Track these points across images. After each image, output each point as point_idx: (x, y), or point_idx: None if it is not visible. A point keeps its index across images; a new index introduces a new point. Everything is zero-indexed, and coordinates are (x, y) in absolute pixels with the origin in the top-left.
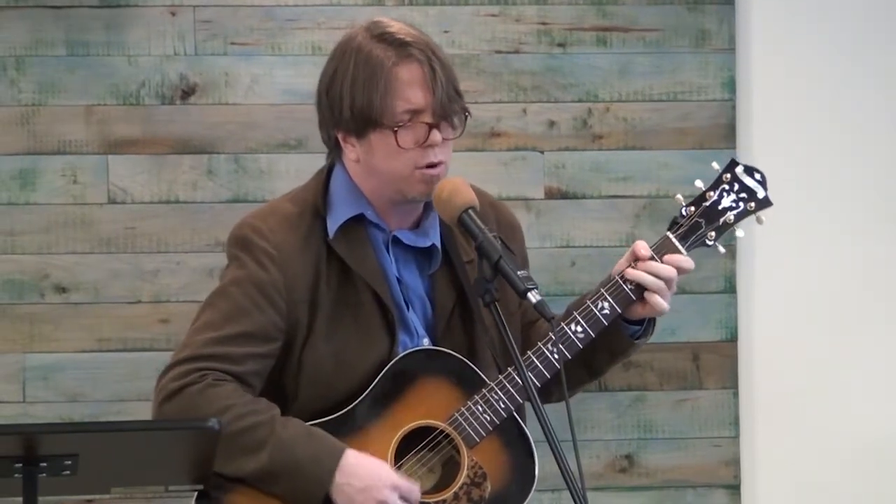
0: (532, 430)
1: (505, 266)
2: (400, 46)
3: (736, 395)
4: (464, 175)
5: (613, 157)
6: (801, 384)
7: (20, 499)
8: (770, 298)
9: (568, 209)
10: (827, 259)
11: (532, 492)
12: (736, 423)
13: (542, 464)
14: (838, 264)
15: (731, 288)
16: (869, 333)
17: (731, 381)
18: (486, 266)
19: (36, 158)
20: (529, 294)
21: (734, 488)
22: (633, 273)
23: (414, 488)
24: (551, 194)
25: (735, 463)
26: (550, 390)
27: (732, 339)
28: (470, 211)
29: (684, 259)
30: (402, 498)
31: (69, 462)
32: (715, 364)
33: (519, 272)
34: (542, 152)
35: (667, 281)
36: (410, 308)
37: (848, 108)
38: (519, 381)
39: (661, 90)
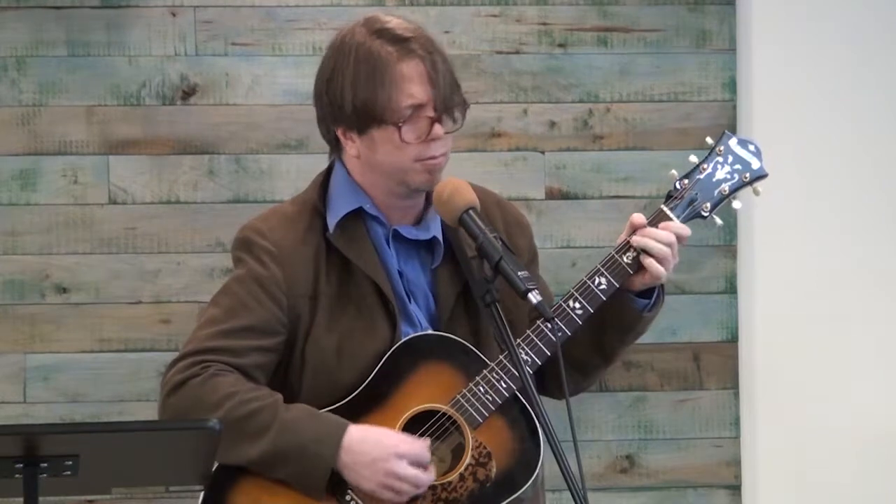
0: None
1: (505, 266)
2: (401, 42)
3: (737, 395)
4: (464, 175)
5: (614, 157)
6: (801, 384)
7: (21, 499)
8: (771, 299)
9: (569, 210)
10: (828, 259)
11: (538, 469)
12: (737, 423)
13: (543, 464)
14: (839, 265)
15: (731, 288)
16: (870, 333)
17: (731, 381)
18: (487, 267)
19: (37, 159)
20: (530, 294)
21: (735, 489)
22: (634, 240)
23: (422, 452)
24: (552, 195)
25: (736, 463)
26: (561, 382)
27: (733, 339)
28: (470, 211)
29: (681, 226)
30: (412, 464)
31: (70, 462)
32: (716, 364)
33: (520, 272)
34: (542, 153)
35: (668, 244)
36: (412, 301)
37: (849, 109)
38: (520, 358)
39: (662, 91)
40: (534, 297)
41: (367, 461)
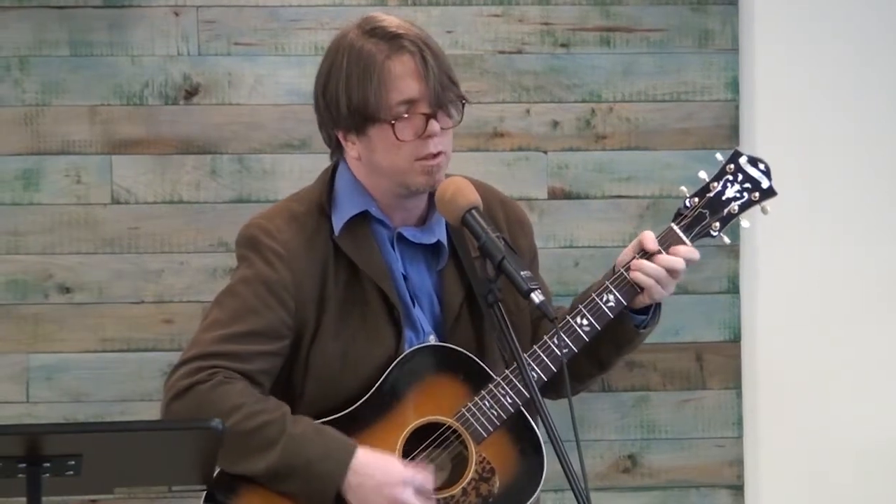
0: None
1: (508, 266)
2: (391, 39)
3: (739, 395)
4: (466, 175)
5: (617, 157)
6: (804, 384)
7: (24, 499)
8: (773, 299)
9: (571, 209)
10: (830, 259)
11: (540, 486)
12: (739, 423)
13: (546, 464)
14: (841, 265)
15: (734, 288)
16: (872, 333)
17: (734, 381)
18: (490, 266)
19: (40, 158)
20: (532, 294)
21: (737, 489)
22: (639, 264)
23: (426, 480)
24: (554, 194)
25: (738, 463)
26: (559, 386)
27: (736, 339)
28: (473, 211)
29: (690, 250)
30: (416, 492)
31: (73, 462)
32: (718, 364)
33: (522, 272)
34: (545, 152)
35: (672, 273)
36: (416, 305)
37: (851, 108)
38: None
39: (665, 90)
40: (536, 297)
41: (372, 485)
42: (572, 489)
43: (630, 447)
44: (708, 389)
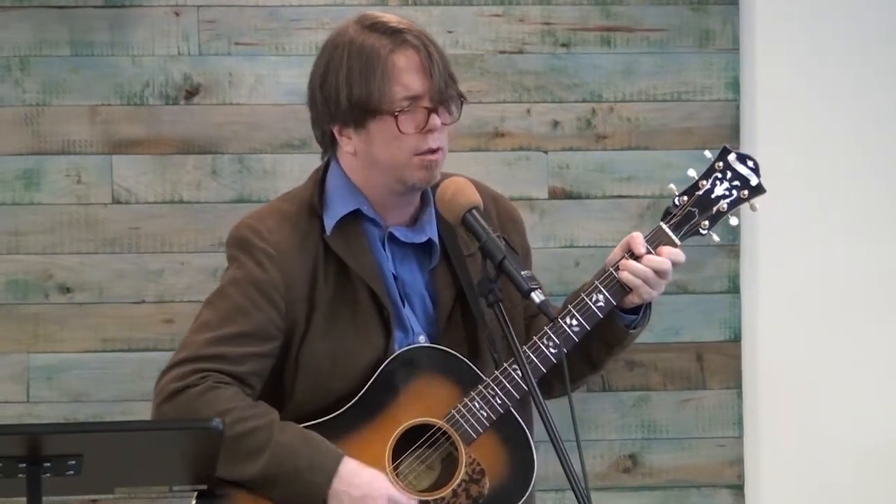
0: (535, 429)
1: (509, 266)
2: (394, 34)
3: (740, 395)
4: (467, 175)
5: (617, 157)
6: (805, 384)
7: (24, 499)
8: (774, 298)
9: (572, 209)
10: (831, 259)
11: (531, 487)
12: (740, 423)
13: (546, 464)
14: (842, 264)
15: (734, 288)
16: (873, 333)
17: (734, 381)
18: (490, 266)
19: (40, 158)
20: (533, 294)
21: (738, 488)
22: (626, 265)
23: (410, 502)
24: (555, 194)
25: (739, 463)
26: (551, 384)
27: (736, 339)
28: (474, 211)
29: (675, 252)
30: None
31: (73, 462)
32: (719, 364)
33: (522, 272)
34: (545, 152)
35: (660, 273)
36: (407, 304)
37: (852, 108)
38: (515, 376)
39: (665, 90)
40: (537, 297)
41: (357, 495)
42: (573, 489)
43: (630, 447)
44: (708, 389)
